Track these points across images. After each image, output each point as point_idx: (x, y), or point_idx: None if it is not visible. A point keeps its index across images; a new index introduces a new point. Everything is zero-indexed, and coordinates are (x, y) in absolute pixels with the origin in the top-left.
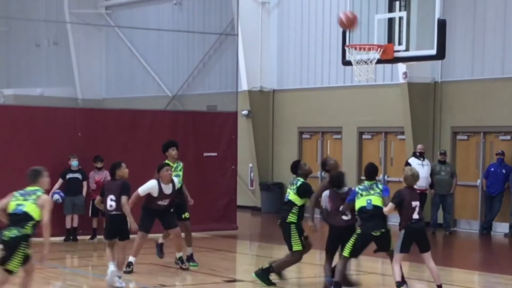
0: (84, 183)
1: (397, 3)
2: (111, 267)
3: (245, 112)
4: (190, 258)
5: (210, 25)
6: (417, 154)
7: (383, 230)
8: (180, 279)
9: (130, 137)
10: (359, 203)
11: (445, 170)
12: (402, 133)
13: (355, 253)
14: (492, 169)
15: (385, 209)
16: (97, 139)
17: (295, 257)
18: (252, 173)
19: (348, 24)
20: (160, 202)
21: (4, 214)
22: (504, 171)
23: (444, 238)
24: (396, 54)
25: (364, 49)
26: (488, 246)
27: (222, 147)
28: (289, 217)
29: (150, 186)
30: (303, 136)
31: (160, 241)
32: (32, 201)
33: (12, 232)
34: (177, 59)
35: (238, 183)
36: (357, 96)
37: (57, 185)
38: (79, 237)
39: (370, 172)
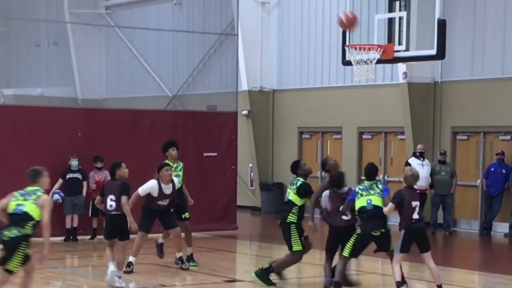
0: (84, 183)
1: (397, 3)
2: (111, 267)
3: (245, 112)
4: (190, 258)
5: (210, 25)
6: (417, 154)
7: (383, 230)
8: (180, 279)
9: (130, 137)
10: (359, 203)
11: (445, 170)
12: (402, 133)
13: (355, 253)
14: (492, 169)
15: (385, 209)
16: (97, 139)
17: (295, 257)
18: (252, 173)
19: (348, 24)
20: (160, 202)
21: (4, 214)
22: (504, 171)
23: (444, 238)
24: (396, 54)
25: (364, 49)
26: (488, 246)
27: (222, 147)
28: (289, 217)
29: (150, 186)
30: (303, 136)
31: (160, 241)
32: (32, 201)
33: (12, 232)
34: (177, 59)
35: (238, 183)
36: (357, 96)
37: (57, 185)
38: (79, 237)
39: (370, 172)
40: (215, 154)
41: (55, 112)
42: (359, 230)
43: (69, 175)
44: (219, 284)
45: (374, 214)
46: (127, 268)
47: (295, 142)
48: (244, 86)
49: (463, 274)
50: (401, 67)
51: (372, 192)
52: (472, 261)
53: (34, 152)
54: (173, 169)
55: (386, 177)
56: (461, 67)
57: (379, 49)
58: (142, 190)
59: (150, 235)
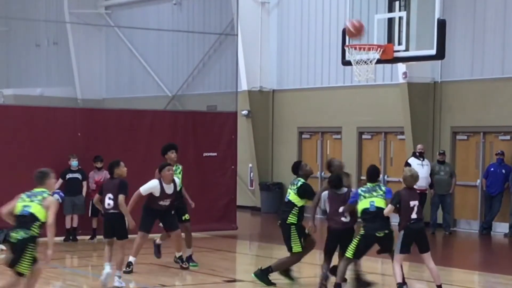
0: (84, 183)
1: (397, 3)
2: (107, 269)
3: (245, 112)
4: (189, 258)
5: (210, 25)
6: (417, 154)
7: (386, 231)
8: (180, 279)
9: (130, 137)
10: (362, 205)
11: (444, 170)
12: (402, 133)
13: (358, 254)
14: (492, 169)
15: (385, 211)
16: (97, 139)
17: (294, 258)
18: (252, 173)
19: (356, 33)
20: (161, 202)
21: (11, 216)
22: (503, 171)
23: (444, 238)
24: (396, 54)
25: (364, 49)
26: (488, 246)
27: (222, 147)
28: (289, 218)
29: (151, 186)
30: (303, 136)
31: (158, 241)
32: (38, 202)
33: (19, 234)
34: (177, 59)
35: (238, 183)
36: (357, 96)
37: (57, 185)
38: (78, 237)
39: (372, 174)
40: (215, 154)
41: (55, 112)
42: (363, 231)
43: (69, 175)
44: (219, 284)
45: (377, 215)
46: (127, 268)
47: (295, 142)
48: (244, 86)
49: (463, 274)
50: (401, 67)
51: (375, 194)
52: (472, 261)
53: (34, 152)
54: None
55: (386, 177)
56: (461, 67)
57: (379, 49)
58: (143, 189)
59: (150, 235)
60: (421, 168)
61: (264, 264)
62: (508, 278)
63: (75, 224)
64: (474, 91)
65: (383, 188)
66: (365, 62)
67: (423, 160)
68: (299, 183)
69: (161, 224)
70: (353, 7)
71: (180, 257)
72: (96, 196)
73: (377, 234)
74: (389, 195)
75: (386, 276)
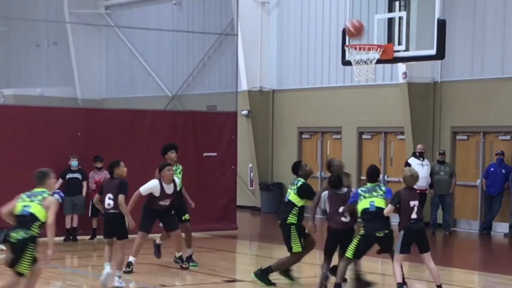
0: (84, 183)
1: (397, 3)
2: (107, 269)
3: (245, 112)
4: (189, 258)
5: (210, 25)
6: (417, 154)
7: (386, 231)
8: (180, 279)
9: (130, 137)
10: (362, 205)
11: (444, 170)
12: (402, 133)
13: (358, 254)
14: (492, 169)
15: (385, 211)
16: (97, 139)
17: (294, 258)
18: (252, 173)
19: (356, 32)
20: (161, 202)
21: (11, 216)
22: (503, 171)
23: (444, 238)
24: (396, 54)
25: (364, 49)
26: (488, 246)
27: (222, 147)
28: (289, 218)
29: (152, 186)
30: (303, 136)
31: (158, 242)
32: (38, 202)
33: (19, 234)
34: (177, 59)
35: (238, 183)
36: (357, 96)
37: (57, 185)
38: (78, 237)
39: (372, 174)
40: (215, 154)
41: (55, 112)
42: (363, 231)
43: (69, 175)
44: (219, 284)
45: (377, 215)
46: (127, 268)
47: (294, 142)
48: (243, 86)
49: (463, 274)
50: (401, 67)
51: (375, 194)
52: (472, 261)
53: (34, 152)
54: None
55: (386, 177)
56: (461, 67)
57: (379, 49)
58: (143, 189)
59: (150, 235)
60: (421, 168)
61: (264, 264)
62: (508, 278)
63: (75, 224)
64: (474, 91)
65: (383, 188)
66: (365, 62)
67: (423, 160)
68: (299, 183)
69: (161, 224)
70: (353, 7)
71: (180, 257)
72: (96, 196)
73: (377, 234)
74: (389, 195)
75: (386, 276)
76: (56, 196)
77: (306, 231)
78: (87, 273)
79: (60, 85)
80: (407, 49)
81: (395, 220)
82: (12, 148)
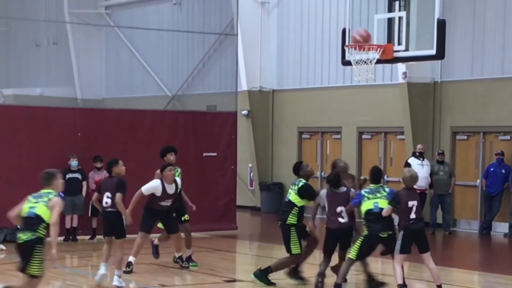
0: (84, 183)
1: (397, 3)
2: (102, 270)
3: (244, 112)
4: (189, 258)
5: (209, 25)
6: (417, 154)
7: (390, 232)
8: (180, 279)
9: (130, 137)
10: (366, 206)
11: (443, 170)
12: (402, 133)
13: (361, 255)
14: (492, 169)
15: (383, 211)
16: (97, 139)
17: (294, 259)
18: (251, 173)
19: (364, 42)
20: (163, 203)
21: (19, 219)
22: (503, 171)
23: (444, 238)
24: (396, 54)
25: (364, 49)
26: (488, 246)
27: (222, 147)
28: (289, 218)
29: (153, 186)
30: (303, 136)
31: (156, 242)
32: (44, 204)
33: (27, 235)
34: (177, 59)
35: (237, 183)
36: (357, 96)
37: None
38: (78, 237)
39: (376, 176)
40: (215, 154)
41: (55, 112)
42: (366, 232)
43: (68, 175)
44: (219, 284)
45: (381, 216)
46: (127, 268)
47: (294, 142)
48: (243, 86)
49: (463, 274)
50: (401, 67)
51: (378, 195)
52: (472, 261)
53: (34, 152)
54: None
55: (386, 177)
56: (460, 67)
57: (378, 49)
58: (145, 189)
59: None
60: (421, 168)
61: (264, 264)
62: (508, 278)
63: (75, 224)
64: (474, 91)
65: (387, 190)
66: (365, 62)
67: (423, 160)
68: (300, 184)
69: (159, 225)
70: (353, 7)
71: (180, 257)
72: (95, 195)
73: (381, 235)
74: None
75: (386, 276)
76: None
77: (307, 229)
78: (87, 273)
79: (60, 85)
80: (407, 49)
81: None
82: (12, 148)
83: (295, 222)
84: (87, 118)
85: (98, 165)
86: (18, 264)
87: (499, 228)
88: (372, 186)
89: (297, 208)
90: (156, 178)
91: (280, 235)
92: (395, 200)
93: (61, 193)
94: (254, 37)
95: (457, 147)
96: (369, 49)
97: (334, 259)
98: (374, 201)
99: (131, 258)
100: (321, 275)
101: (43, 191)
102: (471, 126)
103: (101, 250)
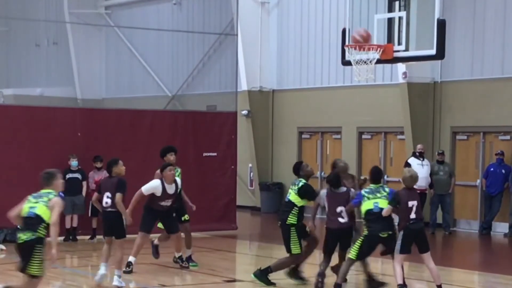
0: (84, 183)
1: (397, 3)
2: (102, 270)
3: (244, 112)
4: (189, 258)
5: (209, 25)
6: (417, 154)
7: (390, 232)
8: (180, 279)
9: (130, 137)
10: (366, 206)
11: (443, 170)
12: (402, 133)
13: (362, 255)
14: (492, 169)
15: (383, 211)
16: (97, 139)
17: (294, 259)
18: (251, 173)
19: (364, 42)
20: (163, 203)
21: (20, 219)
22: (503, 171)
23: (444, 238)
24: (396, 54)
25: (364, 49)
26: (488, 246)
27: (222, 147)
28: (289, 218)
29: (154, 186)
30: (303, 136)
31: (156, 242)
32: (44, 204)
33: (27, 235)
34: (177, 59)
35: (237, 183)
36: (356, 96)
37: None
38: (78, 237)
39: (376, 176)
40: (215, 154)
41: (55, 112)
42: (366, 232)
43: (68, 175)
44: (219, 284)
45: (381, 216)
46: (127, 268)
47: (294, 142)
48: (243, 86)
49: (463, 274)
50: (401, 67)
51: (378, 195)
52: (472, 261)
53: (34, 152)
54: None
55: (386, 177)
56: (460, 67)
57: (378, 49)
58: (145, 189)
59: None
60: (421, 168)
61: (264, 264)
62: (508, 278)
63: (75, 224)
64: (474, 91)
65: (387, 189)
66: (365, 62)
67: (423, 160)
68: (301, 184)
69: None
70: (353, 7)
71: (180, 257)
72: (95, 195)
73: (381, 235)
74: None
75: (386, 276)
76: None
77: (307, 229)
78: (87, 273)
79: (60, 85)
80: (407, 49)
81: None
82: (12, 148)
83: (295, 222)
84: (87, 118)
85: (98, 165)
86: (18, 264)
87: (499, 228)
88: (372, 186)
89: (297, 208)
90: (156, 178)
91: (280, 235)
92: (395, 200)
93: (61, 193)
94: (254, 37)
95: (457, 147)
96: (369, 49)
97: (334, 259)
98: (374, 201)
99: (131, 258)
100: (321, 275)
101: (43, 191)
102: (471, 126)
103: (101, 250)
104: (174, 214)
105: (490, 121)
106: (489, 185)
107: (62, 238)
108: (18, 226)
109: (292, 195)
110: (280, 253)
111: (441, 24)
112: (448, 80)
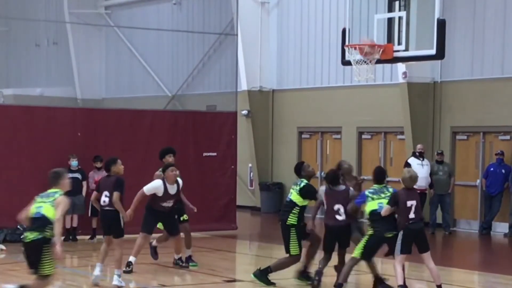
0: (84, 183)
1: (397, 3)
2: (97, 270)
3: (244, 112)
4: (188, 259)
5: (209, 25)
6: (417, 154)
7: (395, 232)
8: (180, 279)
9: (130, 137)
10: (370, 206)
11: (443, 170)
12: (402, 133)
13: (366, 255)
14: (492, 169)
15: (382, 211)
16: (96, 139)
17: (293, 259)
18: (251, 173)
19: (372, 51)
20: (164, 204)
21: (28, 220)
22: (503, 171)
23: (444, 238)
24: (396, 54)
25: (366, 54)
26: (487, 246)
27: (221, 147)
28: (289, 219)
29: (155, 186)
30: (303, 136)
31: (154, 244)
32: (50, 203)
33: (34, 235)
34: (177, 59)
35: (237, 183)
36: (356, 96)
37: None
38: (78, 237)
39: (379, 176)
40: (215, 154)
41: (55, 112)
42: (371, 232)
43: (68, 175)
44: (219, 284)
45: (386, 217)
46: (127, 268)
47: (294, 142)
48: (243, 86)
49: (463, 274)
50: (401, 67)
51: (382, 195)
52: (472, 261)
53: (34, 152)
54: None
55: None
56: (460, 67)
57: (378, 49)
58: (147, 189)
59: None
60: (421, 168)
61: (264, 264)
62: (508, 278)
63: (75, 224)
64: (474, 91)
65: (390, 190)
66: (365, 62)
67: (423, 160)
68: (302, 184)
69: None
70: (353, 7)
71: (180, 259)
72: (94, 194)
73: (386, 235)
74: None
75: (386, 276)
76: None
77: (308, 228)
78: (87, 273)
79: (60, 85)
80: (407, 49)
81: None
82: (12, 148)
83: (295, 223)
84: (87, 118)
85: (98, 165)
86: (28, 267)
87: (499, 228)
88: (376, 186)
89: (298, 208)
90: (155, 179)
91: (280, 235)
92: (392, 200)
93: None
94: (254, 37)
95: (457, 147)
96: (370, 54)
97: (334, 259)
98: (379, 201)
99: (131, 258)
100: (319, 273)
101: (50, 190)
102: (471, 126)
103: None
104: (176, 216)
105: (490, 121)
106: (489, 185)
107: (62, 238)
108: (24, 226)
109: (293, 195)
110: (280, 253)
111: (441, 24)
112: (448, 80)
